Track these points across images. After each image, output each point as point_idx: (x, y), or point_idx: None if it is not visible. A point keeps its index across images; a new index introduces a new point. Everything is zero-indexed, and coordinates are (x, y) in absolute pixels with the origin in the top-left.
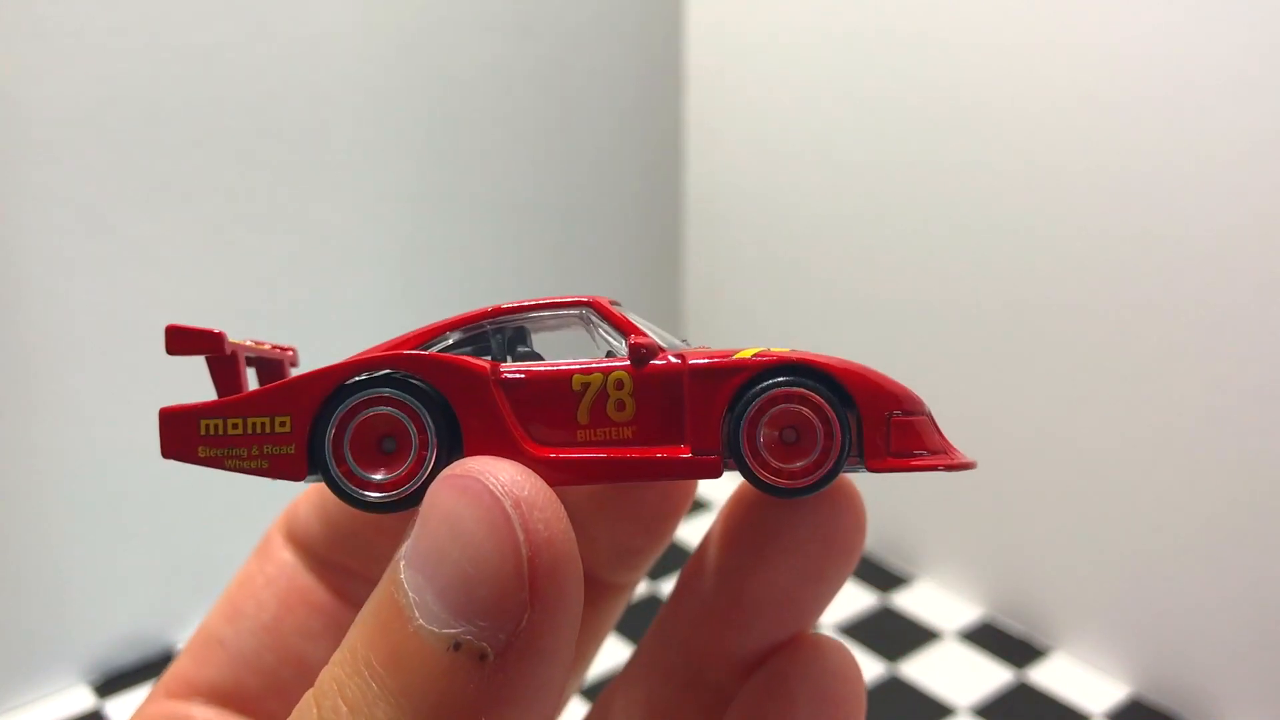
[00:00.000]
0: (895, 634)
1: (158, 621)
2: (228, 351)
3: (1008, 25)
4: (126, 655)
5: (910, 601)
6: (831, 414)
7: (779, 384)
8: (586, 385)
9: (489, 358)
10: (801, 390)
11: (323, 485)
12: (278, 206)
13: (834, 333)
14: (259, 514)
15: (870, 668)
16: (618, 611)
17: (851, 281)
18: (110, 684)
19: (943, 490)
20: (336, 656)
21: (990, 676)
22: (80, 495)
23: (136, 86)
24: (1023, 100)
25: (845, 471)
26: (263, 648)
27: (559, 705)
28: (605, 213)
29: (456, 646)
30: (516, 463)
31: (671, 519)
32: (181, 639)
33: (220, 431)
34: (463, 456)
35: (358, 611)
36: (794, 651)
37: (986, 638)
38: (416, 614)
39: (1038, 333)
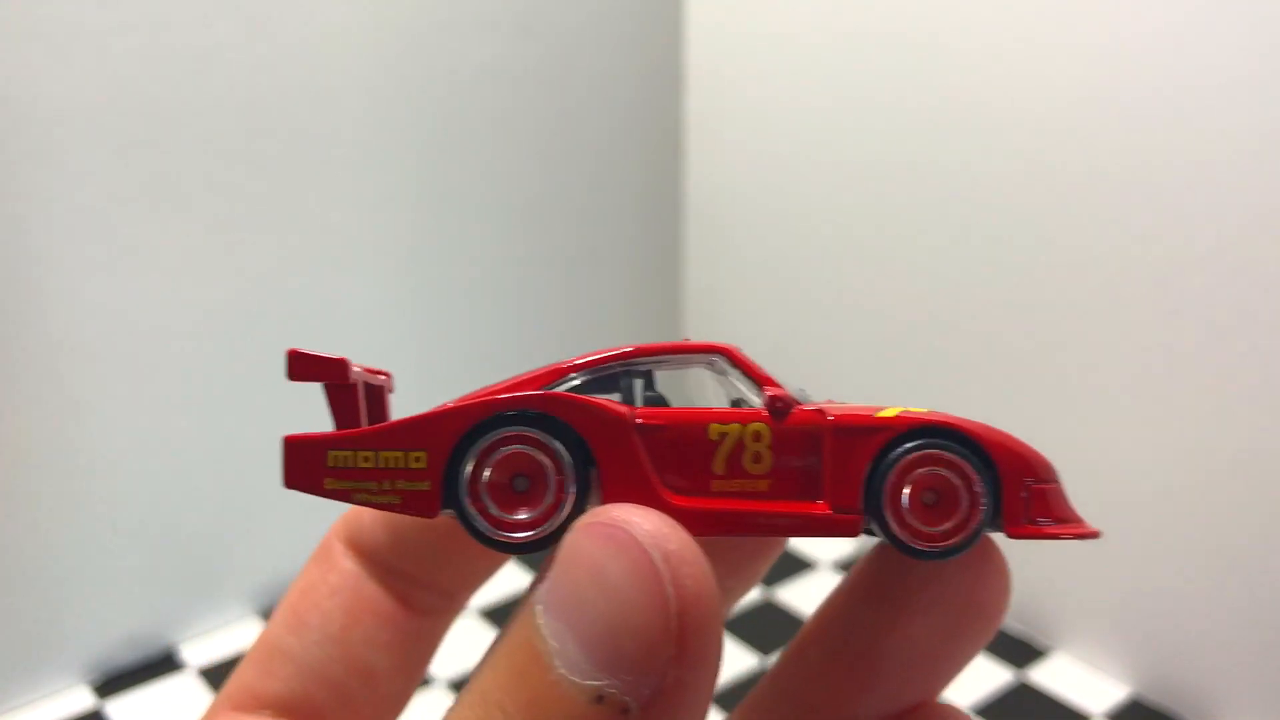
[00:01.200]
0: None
1: (158, 621)
2: (351, 380)
3: (1009, 26)
4: (126, 655)
5: None
6: (976, 480)
7: (925, 446)
8: (724, 435)
9: (618, 398)
10: (947, 454)
11: None
12: (278, 206)
13: (834, 333)
14: (259, 513)
15: None
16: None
17: (852, 282)
18: (110, 684)
19: None
20: (466, 699)
21: (990, 676)
22: (80, 495)
23: (137, 87)
24: (1024, 101)
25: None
26: (329, 659)
27: None
28: (605, 213)
29: (600, 699)
30: (660, 513)
31: (763, 562)
32: (181, 639)
33: (350, 464)
34: (599, 500)
35: (424, 621)
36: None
37: (994, 633)
38: (557, 662)
39: (1038, 334)
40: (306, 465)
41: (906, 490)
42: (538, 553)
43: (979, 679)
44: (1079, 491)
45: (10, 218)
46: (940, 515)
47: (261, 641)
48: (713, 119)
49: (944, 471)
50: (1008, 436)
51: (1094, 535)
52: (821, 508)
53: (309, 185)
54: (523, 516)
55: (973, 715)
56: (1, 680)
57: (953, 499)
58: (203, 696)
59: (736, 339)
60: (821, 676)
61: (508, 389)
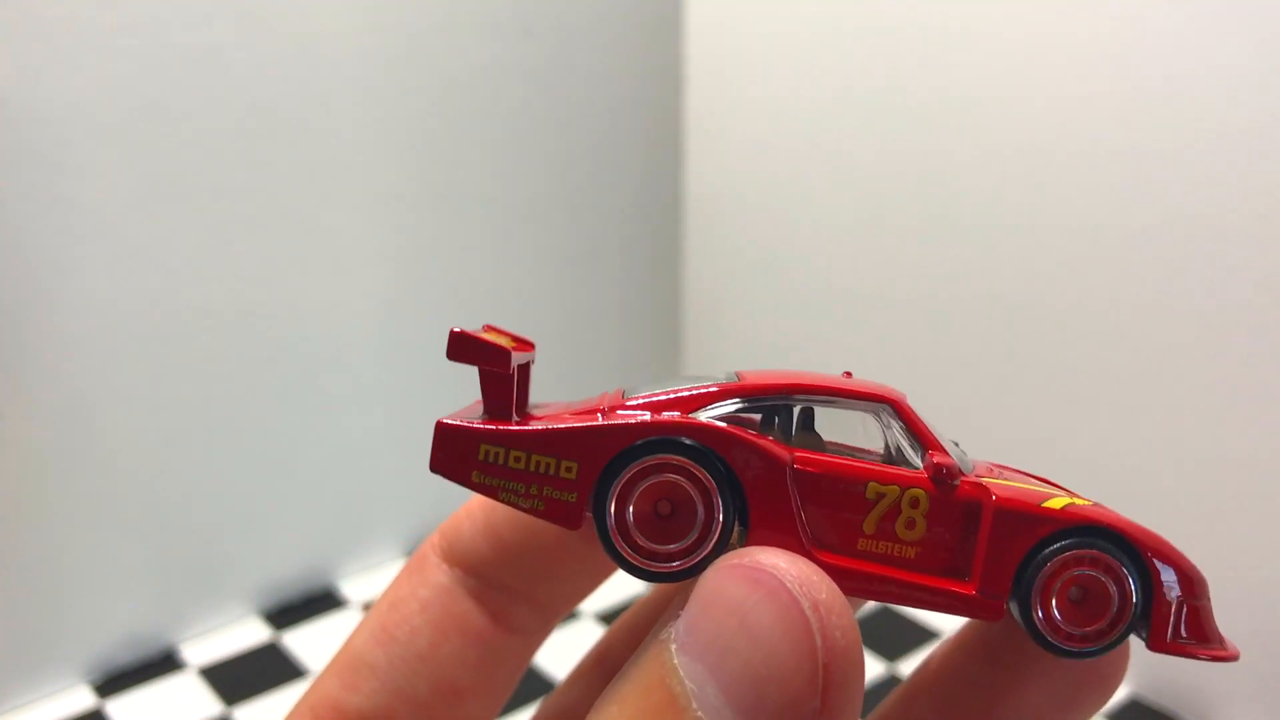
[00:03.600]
0: (895, 633)
1: (158, 621)
2: (510, 372)
3: (1009, 23)
4: (127, 655)
5: None
6: (1131, 591)
7: (1086, 545)
8: (881, 496)
9: (772, 432)
10: (1107, 558)
11: (485, 500)
12: (278, 206)
13: (836, 333)
14: (260, 513)
15: (870, 668)
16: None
17: (852, 282)
18: (111, 683)
19: None
20: None
21: None
22: (80, 495)
23: (137, 87)
24: (1024, 99)
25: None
26: (415, 675)
27: None
28: (605, 212)
29: None
30: (808, 560)
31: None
32: (182, 638)
33: (500, 461)
34: (743, 540)
35: (515, 640)
36: None
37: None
38: (695, 705)
39: (1038, 332)
40: (457, 454)
41: (1058, 586)
42: (673, 582)
43: None
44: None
45: (10, 217)
46: (1086, 616)
47: (346, 652)
48: (713, 118)
49: (1100, 575)
50: (1170, 548)
51: (1233, 658)
52: (967, 588)
53: (308, 185)
54: (666, 545)
55: None
56: (2, 680)
57: (1103, 603)
58: (203, 696)
59: (737, 338)
60: None
61: (664, 404)
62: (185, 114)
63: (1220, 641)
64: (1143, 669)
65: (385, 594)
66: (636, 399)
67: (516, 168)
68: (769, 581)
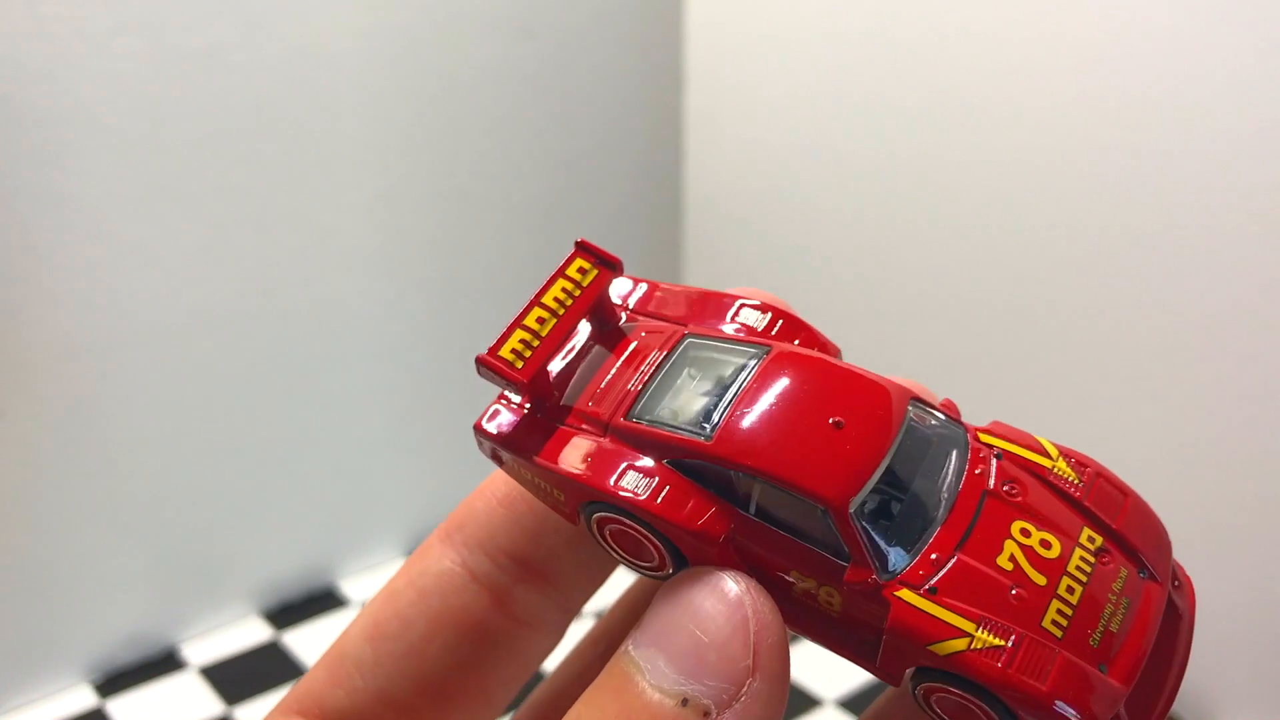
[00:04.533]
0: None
1: (158, 621)
2: (526, 400)
3: (1008, 22)
4: (127, 654)
5: None
6: None
7: (958, 689)
8: (803, 579)
9: (735, 490)
10: (978, 705)
11: (503, 475)
12: (278, 206)
13: (834, 333)
14: (260, 513)
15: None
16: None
17: (852, 280)
18: (111, 683)
19: None
20: None
21: None
22: (81, 495)
23: (138, 87)
24: (1024, 97)
25: None
26: (400, 675)
27: None
28: (605, 212)
29: (684, 702)
30: (740, 573)
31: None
32: (183, 638)
33: (515, 470)
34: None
35: (522, 633)
36: None
37: None
38: (647, 676)
39: (1038, 330)
40: (488, 450)
41: (936, 700)
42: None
43: None
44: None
45: (11, 217)
46: None
47: (337, 645)
48: (713, 117)
49: (976, 711)
50: (1052, 706)
51: None
52: (871, 665)
53: (309, 185)
54: (637, 560)
55: None
56: (4, 679)
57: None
58: (204, 696)
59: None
60: None
61: (650, 441)
62: (185, 114)
63: None
64: None
65: (386, 584)
66: (637, 423)
67: (516, 168)
68: (708, 580)
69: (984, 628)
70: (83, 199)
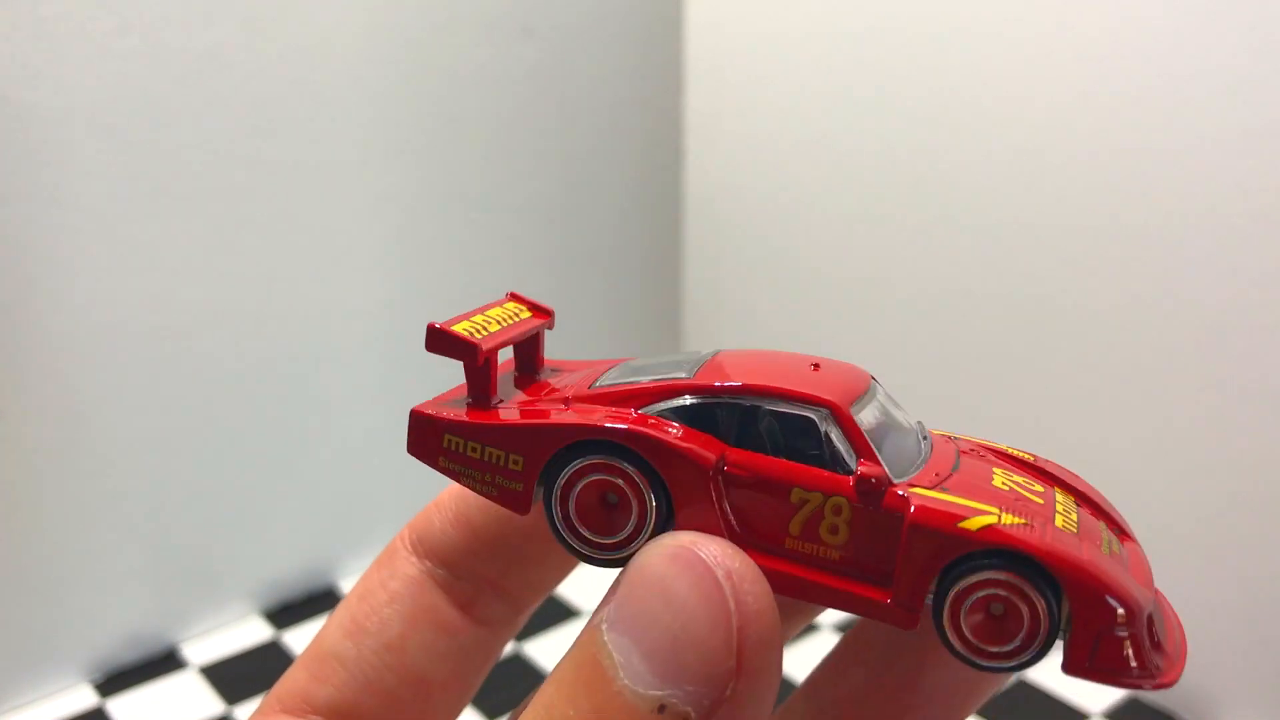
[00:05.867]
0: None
1: (158, 620)
2: (480, 363)
3: (1008, 21)
4: (128, 654)
5: None
6: (1044, 617)
7: (998, 569)
8: (805, 501)
9: (718, 432)
10: (1019, 584)
11: (460, 489)
12: (278, 206)
13: (835, 332)
14: (260, 513)
15: None
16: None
17: (853, 280)
18: (112, 682)
19: None
20: (529, 715)
21: None
22: (81, 494)
23: (138, 87)
24: (1024, 96)
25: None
26: (384, 667)
27: None
28: (605, 212)
29: (661, 709)
30: (726, 539)
31: (811, 613)
32: (183, 637)
33: (460, 450)
34: (675, 528)
35: (484, 632)
36: None
37: None
38: (621, 674)
39: (1038, 331)
40: (426, 441)
41: (969, 608)
42: (612, 567)
43: None
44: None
45: (11, 217)
46: (999, 634)
47: (316, 644)
48: (713, 117)
49: (1012, 597)
50: (1095, 574)
51: (1163, 685)
52: (884, 596)
53: (309, 185)
54: (602, 536)
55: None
56: (3, 679)
57: (1014, 624)
58: (204, 695)
59: (736, 337)
60: (864, 698)
61: (620, 396)
62: (185, 114)
63: (1151, 670)
64: None
65: (355, 587)
66: (602, 387)
67: (517, 167)
68: (686, 556)
69: (1008, 511)
70: (83, 199)
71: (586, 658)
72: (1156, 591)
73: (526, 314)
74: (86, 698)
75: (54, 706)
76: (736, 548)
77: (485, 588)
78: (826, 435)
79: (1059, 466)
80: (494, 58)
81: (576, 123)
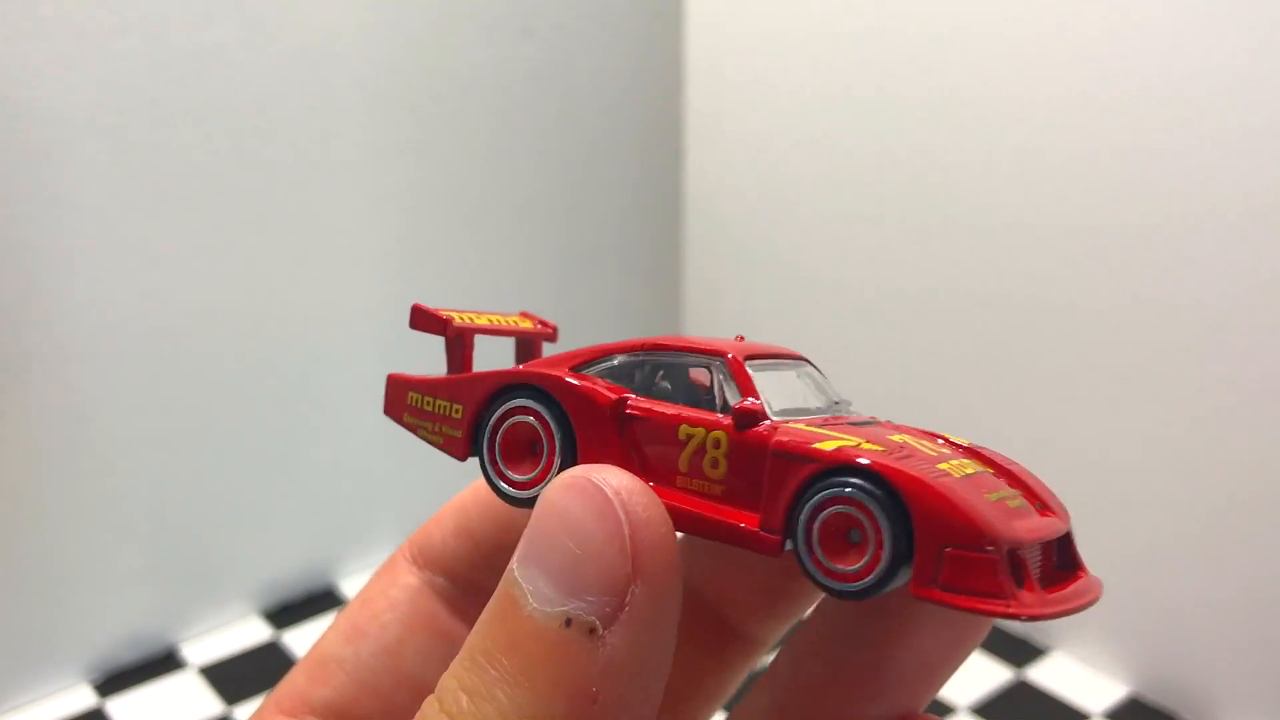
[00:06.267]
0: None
1: (158, 620)
2: (451, 335)
3: (1008, 21)
4: (128, 654)
5: None
6: (881, 533)
7: (843, 486)
8: (690, 437)
9: (633, 385)
10: (859, 501)
11: (459, 502)
12: (278, 206)
13: (835, 333)
14: (260, 513)
15: None
16: (747, 667)
17: (853, 281)
18: (111, 682)
19: None
20: (455, 660)
21: (989, 675)
22: (81, 494)
23: (138, 87)
24: (1024, 97)
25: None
26: (382, 670)
27: (662, 688)
28: (606, 211)
29: (568, 622)
30: (610, 465)
31: (797, 604)
32: (183, 638)
33: (420, 406)
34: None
35: None
36: None
37: (986, 636)
38: (530, 600)
39: (1038, 331)
40: (397, 400)
41: (819, 527)
42: (529, 507)
43: (978, 678)
44: (1077, 489)
45: (11, 218)
46: (849, 555)
47: (316, 649)
48: (713, 117)
49: (859, 515)
50: (941, 494)
51: (1014, 615)
52: (753, 522)
53: (309, 185)
54: (521, 475)
55: (968, 713)
56: (3, 679)
57: (863, 544)
58: (204, 695)
59: (737, 336)
60: (825, 688)
61: (561, 358)
62: (185, 114)
63: (1002, 595)
64: (1142, 668)
65: (355, 597)
66: (554, 355)
67: (517, 167)
68: (579, 483)
69: (871, 442)
70: (83, 199)
71: (501, 594)
72: (1083, 570)
73: (526, 324)
74: (86, 698)
75: (53, 706)
76: (626, 471)
77: (484, 596)
78: (720, 383)
79: (997, 453)
80: (494, 57)
81: (576, 123)
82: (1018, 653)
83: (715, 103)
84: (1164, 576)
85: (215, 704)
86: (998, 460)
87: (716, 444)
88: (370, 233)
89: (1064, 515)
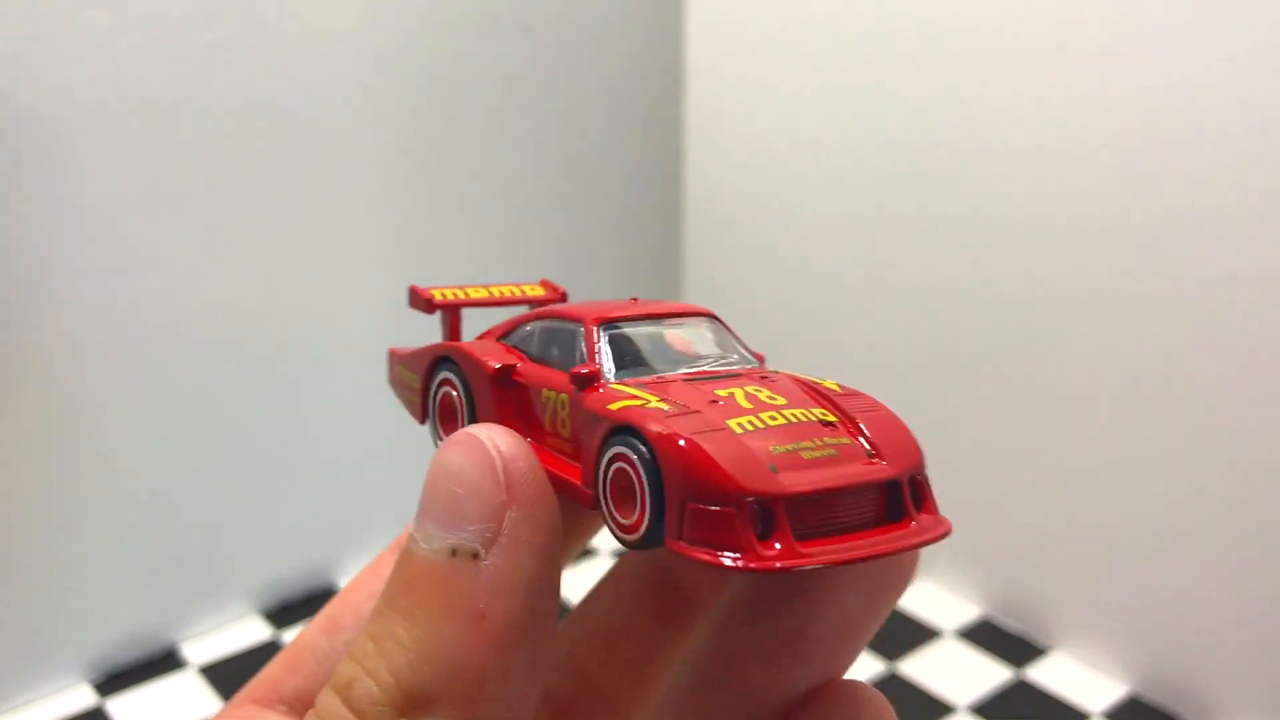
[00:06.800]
0: (895, 633)
1: (158, 620)
2: (432, 312)
3: (1008, 21)
4: (128, 653)
5: (910, 600)
6: (642, 486)
7: (620, 445)
8: (549, 400)
9: (529, 352)
10: (630, 456)
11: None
12: (278, 206)
13: (835, 332)
14: (260, 512)
15: (870, 667)
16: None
17: (853, 280)
18: (111, 682)
19: (940, 490)
20: (369, 619)
21: (989, 675)
22: (81, 494)
23: (137, 87)
24: (1024, 96)
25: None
26: None
27: (553, 607)
28: (605, 212)
29: (453, 553)
30: (500, 425)
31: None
32: (182, 637)
33: (400, 375)
34: None
35: None
36: (838, 703)
37: (985, 636)
38: (421, 543)
39: (1038, 330)
40: (391, 371)
41: (607, 482)
42: None
43: (978, 678)
44: (1078, 489)
45: (11, 218)
46: (628, 509)
47: (295, 641)
48: (713, 117)
49: (629, 471)
50: (693, 451)
51: (749, 569)
52: (578, 477)
53: (309, 185)
54: (453, 428)
55: (968, 712)
56: (3, 679)
57: (639, 498)
58: (204, 695)
59: (738, 335)
60: (747, 657)
61: (497, 329)
62: (185, 114)
63: (739, 549)
64: (1142, 668)
65: (341, 590)
66: (500, 323)
67: (516, 167)
68: (459, 437)
69: (663, 401)
70: (83, 199)
71: (400, 552)
72: (914, 517)
73: (538, 292)
74: (85, 697)
75: (53, 706)
76: (499, 425)
77: None
78: (581, 348)
79: (862, 398)
80: (494, 57)
81: (576, 122)
82: (1018, 652)
83: (715, 103)
84: (1164, 576)
85: (215, 703)
86: (845, 406)
87: (563, 405)
88: (370, 233)
89: (899, 462)
